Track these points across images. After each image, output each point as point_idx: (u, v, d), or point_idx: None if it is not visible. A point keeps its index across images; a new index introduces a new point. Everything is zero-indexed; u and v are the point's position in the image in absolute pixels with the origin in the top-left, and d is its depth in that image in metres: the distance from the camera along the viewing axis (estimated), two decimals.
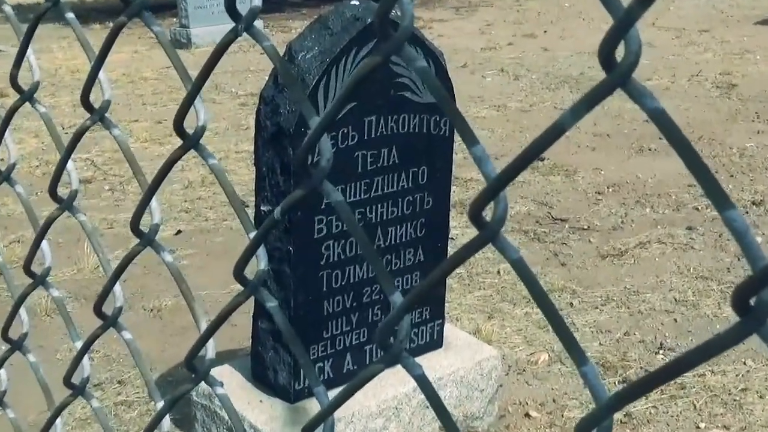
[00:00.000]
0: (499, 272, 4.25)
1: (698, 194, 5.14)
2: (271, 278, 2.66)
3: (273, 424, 2.70)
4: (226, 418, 2.82)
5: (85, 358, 0.91)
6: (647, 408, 3.22)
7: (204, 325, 0.73)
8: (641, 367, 3.48)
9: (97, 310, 0.85)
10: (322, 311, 2.74)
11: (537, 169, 5.63)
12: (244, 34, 0.61)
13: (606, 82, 0.41)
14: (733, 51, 8.93)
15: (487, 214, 0.48)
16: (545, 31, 10.47)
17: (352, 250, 2.73)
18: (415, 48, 2.62)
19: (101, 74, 0.79)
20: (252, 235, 0.64)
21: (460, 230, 4.72)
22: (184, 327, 3.89)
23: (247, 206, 4.37)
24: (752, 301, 0.38)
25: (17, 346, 1.06)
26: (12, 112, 1.00)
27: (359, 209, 2.68)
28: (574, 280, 4.22)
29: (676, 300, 4.01)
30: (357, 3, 2.62)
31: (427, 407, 2.89)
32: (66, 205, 0.91)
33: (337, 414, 2.62)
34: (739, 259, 4.35)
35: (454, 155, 2.90)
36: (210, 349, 0.72)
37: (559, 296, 4.04)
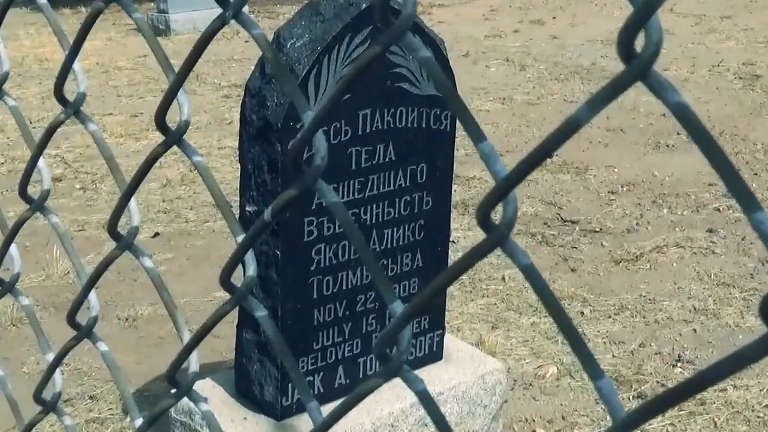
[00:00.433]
0: (503, 278, 4.26)
1: (719, 194, 5.16)
2: (257, 285, 2.67)
3: None
4: None
5: (57, 372, 0.91)
6: (664, 425, 3.23)
7: (187, 336, 0.73)
8: (658, 381, 3.48)
9: (71, 320, 0.86)
10: (312, 320, 2.74)
11: (545, 167, 5.64)
12: (233, 21, 0.62)
13: (625, 74, 0.41)
14: (757, 39, 8.95)
15: (495, 215, 0.48)
16: (554, 18, 10.49)
17: (345, 254, 2.73)
18: (413, 35, 2.63)
19: (76, 64, 0.79)
20: (240, 238, 0.64)
21: (462, 233, 4.73)
22: (161, 338, 3.89)
23: (230, 206, 4.37)
24: None
25: None
26: None
27: (353, 210, 2.69)
28: (585, 287, 4.23)
29: (695, 309, 4.02)
30: None
31: (425, 425, 2.89)
32: (37, 205, 0.91)
33: None
34: (763, 264, 4.36)
35: (455, 151, 2.90)
36: (193, 362, 0.72)
37: (569, 305, 4.05)
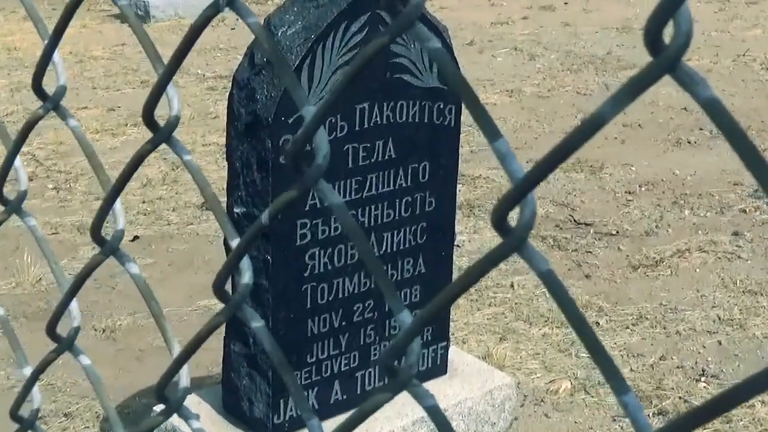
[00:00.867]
0: (512, 285, 4.26)
1: (745, 194, 5.16)
2: None
3: None
4: None
5: (35, 388, 0.92)
6: None
7: (177, 349, 0.73)
8: (680, 397, 3.49)
9: (51, 331, 0.86)
10: (306, 331, 2.75)
11: None
12: (227, 8, 0.62)
13: (653, 66, 0.42)
14: None
15: (511, 218, 0.48)
16: (566, 3, 10.50)
17: (341, 259, 2.74)
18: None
19: (56, 56, 0.79)
20: (235, 243, 0.65)
21: (467, 236, 4.74)
22: (141, 350, 3.89)
23: (224, 210, 4.36)
24: None
25: None
26: None
27: (349, 212, 2.69)
28: (601, 294, 4.23)
29: (719, 318, 4.02)
30: None
31: None
32: (13, 207, 0.91)
33: None
34: None
35: (460, 148, 2.91)
36: (184, 377, 0.73)
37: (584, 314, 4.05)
